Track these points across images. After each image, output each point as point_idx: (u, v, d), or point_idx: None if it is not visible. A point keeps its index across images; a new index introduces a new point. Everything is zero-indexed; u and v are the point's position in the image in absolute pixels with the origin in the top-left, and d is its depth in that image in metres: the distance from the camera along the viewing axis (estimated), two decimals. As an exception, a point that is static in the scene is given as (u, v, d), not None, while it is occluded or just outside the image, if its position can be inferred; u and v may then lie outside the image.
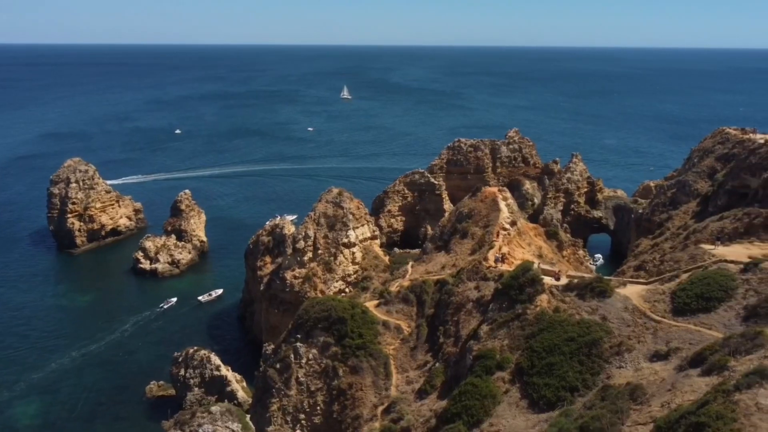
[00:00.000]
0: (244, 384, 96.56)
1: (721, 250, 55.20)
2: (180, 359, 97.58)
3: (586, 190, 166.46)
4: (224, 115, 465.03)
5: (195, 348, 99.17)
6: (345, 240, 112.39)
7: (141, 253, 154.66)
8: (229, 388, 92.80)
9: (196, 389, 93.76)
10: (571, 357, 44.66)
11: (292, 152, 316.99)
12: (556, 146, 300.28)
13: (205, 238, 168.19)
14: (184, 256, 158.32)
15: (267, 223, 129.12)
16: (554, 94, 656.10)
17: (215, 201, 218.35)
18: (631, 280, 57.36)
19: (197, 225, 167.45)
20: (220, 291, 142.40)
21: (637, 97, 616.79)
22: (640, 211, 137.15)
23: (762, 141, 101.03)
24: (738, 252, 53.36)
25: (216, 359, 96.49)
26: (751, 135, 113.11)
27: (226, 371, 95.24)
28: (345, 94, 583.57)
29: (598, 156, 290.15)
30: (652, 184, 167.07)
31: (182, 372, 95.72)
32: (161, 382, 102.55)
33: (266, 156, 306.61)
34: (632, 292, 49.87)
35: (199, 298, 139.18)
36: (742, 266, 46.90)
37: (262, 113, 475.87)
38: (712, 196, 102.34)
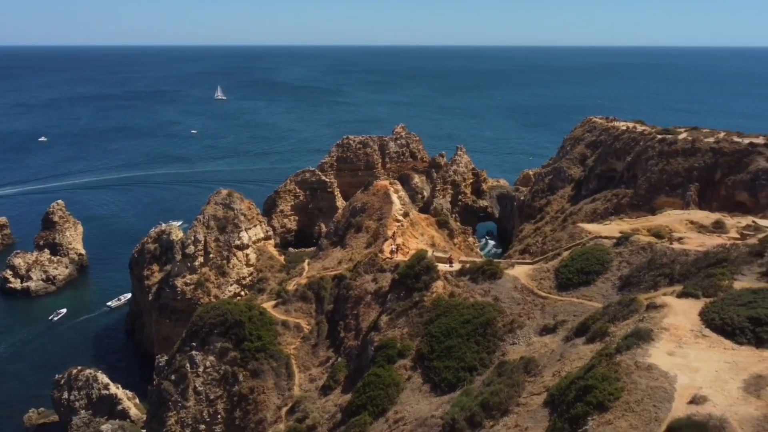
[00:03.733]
0: (137, 401, 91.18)
1: (596, 228, 59.48)
2: (62, 381, 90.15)
3: (471, 181, 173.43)
4: (99, 117, 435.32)
5: (79, 368, 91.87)
6: (237, 242, 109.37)
7: (9, 272, 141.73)
8: (120, 407, 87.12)
9: (83, 412, 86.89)
10: (468, 338, 46.20)
11: (176, 155, 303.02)
12: (439, 139, 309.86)
13: (83, 251, 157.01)
14: (61, 271, 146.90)
15: (152, 230, 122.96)
16: (432, 90, 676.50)
17: (92, 210, 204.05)
18: (518, 261, 60.40)
19: (74, 237, 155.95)
20: (128, 295, 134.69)
21: (508, 92, 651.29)
22: (522, 198, 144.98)
23: (624, 128, 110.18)
24: (610, 228, 57.79)
25: (103, 377, 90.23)
26: (614, 123, 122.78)
27: (115, 389, 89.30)
28: (219, 94, 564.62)
29: (479, 147, 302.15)
30: (531, 173, 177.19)
31: (65, 395, 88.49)
32: (41, 409, 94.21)
33: (147, 160, 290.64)
34: (520, 272, 52.47)
35: (109, 303, 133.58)
36: (614, 241, 50.80)
37: (142, 115, 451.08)
38: (584, 180, 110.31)
